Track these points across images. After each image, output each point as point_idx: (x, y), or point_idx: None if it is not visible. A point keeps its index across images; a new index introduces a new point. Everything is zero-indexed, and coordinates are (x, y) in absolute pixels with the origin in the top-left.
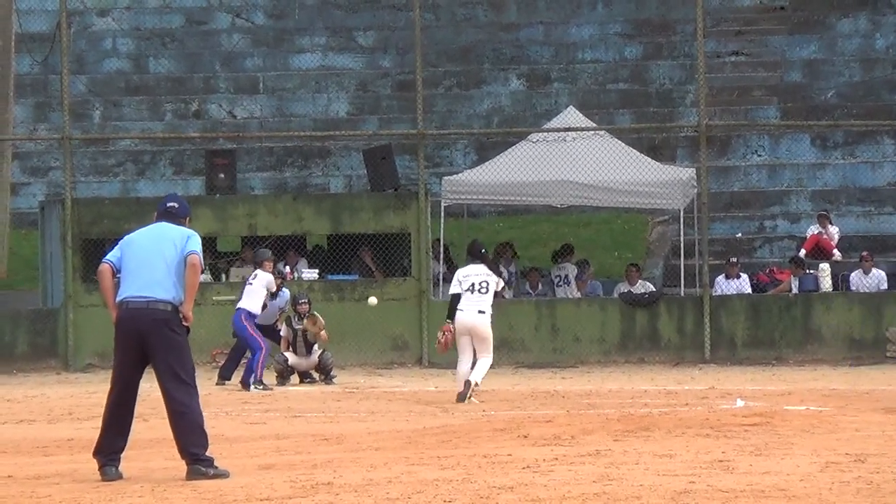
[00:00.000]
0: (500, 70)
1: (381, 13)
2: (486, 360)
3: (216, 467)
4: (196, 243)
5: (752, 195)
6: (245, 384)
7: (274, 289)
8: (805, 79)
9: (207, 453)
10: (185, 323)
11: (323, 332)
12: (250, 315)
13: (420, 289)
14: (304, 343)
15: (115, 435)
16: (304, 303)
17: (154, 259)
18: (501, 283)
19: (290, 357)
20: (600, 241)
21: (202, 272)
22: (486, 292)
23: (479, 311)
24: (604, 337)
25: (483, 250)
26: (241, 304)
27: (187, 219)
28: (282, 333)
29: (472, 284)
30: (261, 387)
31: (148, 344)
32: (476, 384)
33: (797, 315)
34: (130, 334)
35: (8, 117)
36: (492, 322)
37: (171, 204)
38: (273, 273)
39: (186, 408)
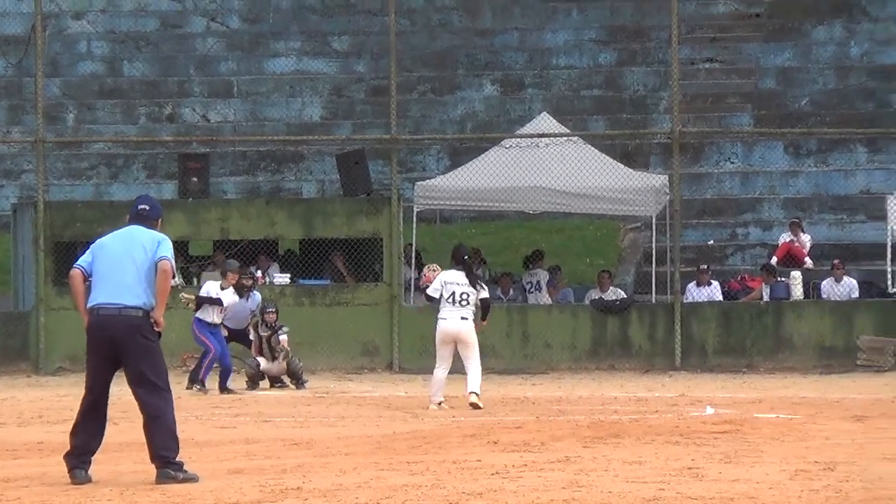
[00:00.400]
0: (475, 76)
1: (355, 18)
2: (476, 367)
3: (185, 471)
4: (167, 248)
5: (725, 202)
6: (223, 389)
7: (213, 294)
8: (779, 86)
9: (178, 458)
10: (156, 328)
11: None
12: (198, 321)
13: (391, 294)
14: (269, 349)
15: (87, 438)
16: (272, 311)
17: (125, 264)
18: (483, 294)
19: (262, 362)
20: (572, 247)
21: (173, 277)
22: (467, 304)
23: (462, 318)
24: (575, 343)
25: (466, 257)
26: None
27: (159, 220)
28: (251, 338)
29: (454, 294)
30: (198, 387)
31: (120, 350)
32: (477, 395)
33: (768, 323)
34: (102, 340)
35: None
36: (474, 328)
37: (142, 206)
38: (240, 283)
39: (160, 412)
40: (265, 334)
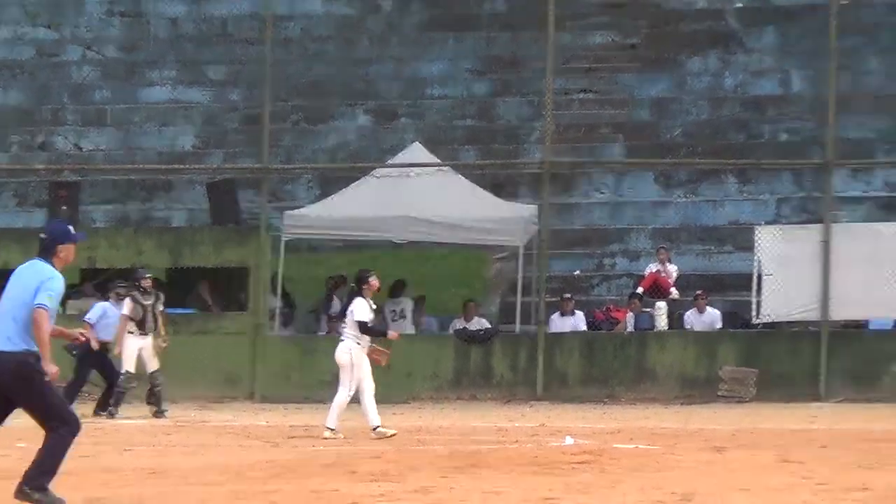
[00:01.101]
0: (348, 105)
1: (232, 47)
2: (337, 395)
3: (47, 493)
4: (45, 292)
5: (593, 232)
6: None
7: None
8: (652, 117)
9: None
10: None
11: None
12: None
13: (255, 323)
14: (153, 319)
15: None
16: (149, 277)
17: (5, 306)
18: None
19: (136, 341)
20: (439, 277)
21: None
22: (345, 326)
23: (341, 339)
24: (437, 373)
25: (353, 285)
26: None
27: (58, 247)
28: (125, 311)
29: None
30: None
31: (7, 390)
32: (328, 428)
33: (631, 353)
34: None
35: None
36: (352, 350)
37: (42, 235)
38: (115, 291)
39: (46, 442)
40: (149, 302)
